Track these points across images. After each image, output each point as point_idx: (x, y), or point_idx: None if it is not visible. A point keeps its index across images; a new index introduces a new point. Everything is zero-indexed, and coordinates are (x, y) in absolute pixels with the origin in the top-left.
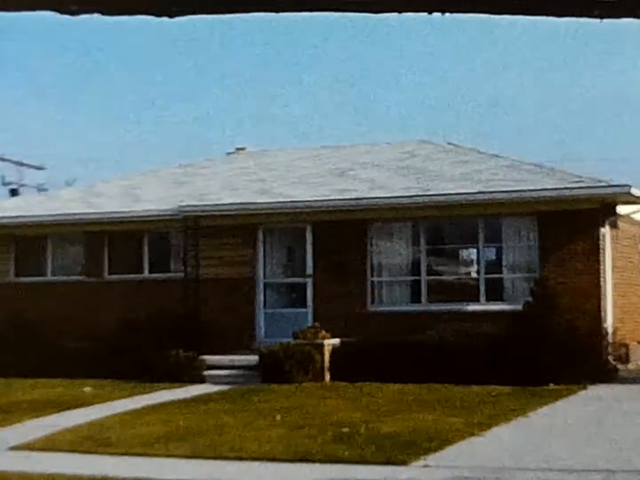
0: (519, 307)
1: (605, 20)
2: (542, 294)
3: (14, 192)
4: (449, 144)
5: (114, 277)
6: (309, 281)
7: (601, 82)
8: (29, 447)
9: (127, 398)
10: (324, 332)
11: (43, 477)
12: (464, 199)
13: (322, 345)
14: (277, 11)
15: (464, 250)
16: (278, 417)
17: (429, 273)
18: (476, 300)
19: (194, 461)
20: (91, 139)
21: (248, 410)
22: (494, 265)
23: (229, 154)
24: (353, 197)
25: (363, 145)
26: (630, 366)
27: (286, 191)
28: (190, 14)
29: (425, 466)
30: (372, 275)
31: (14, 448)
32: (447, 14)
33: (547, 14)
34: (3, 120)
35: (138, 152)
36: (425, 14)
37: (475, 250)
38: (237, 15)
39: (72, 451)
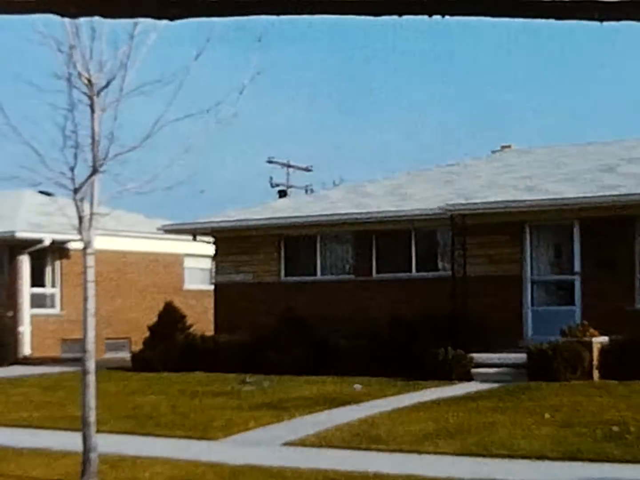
0: None
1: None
2: None
3: (282, 194)
4: None
5: (382, 275)
6: (577, 279)
7: None
8: (302, 442)
9: (397, 395)
10: (592, 330)
11: (315, 472)
12: None
13: (590, 343)
14: (277, 14)
15: None
16: (547, 415)
17: None
18: None
19: (463, 459)
20: (356, 140)
21: (516, 408)
22: None
23: (493, 152)
24: (621, 193)
25: (630, 141)
26: None
27: (553, 188)
28: (190, 16)
29: None
30: None
31: (287, 444)
32: (446, 17)
33: (547, 17)
34: (271, 123)
35: (403, 152)
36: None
37: None
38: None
39: (343, 447)
